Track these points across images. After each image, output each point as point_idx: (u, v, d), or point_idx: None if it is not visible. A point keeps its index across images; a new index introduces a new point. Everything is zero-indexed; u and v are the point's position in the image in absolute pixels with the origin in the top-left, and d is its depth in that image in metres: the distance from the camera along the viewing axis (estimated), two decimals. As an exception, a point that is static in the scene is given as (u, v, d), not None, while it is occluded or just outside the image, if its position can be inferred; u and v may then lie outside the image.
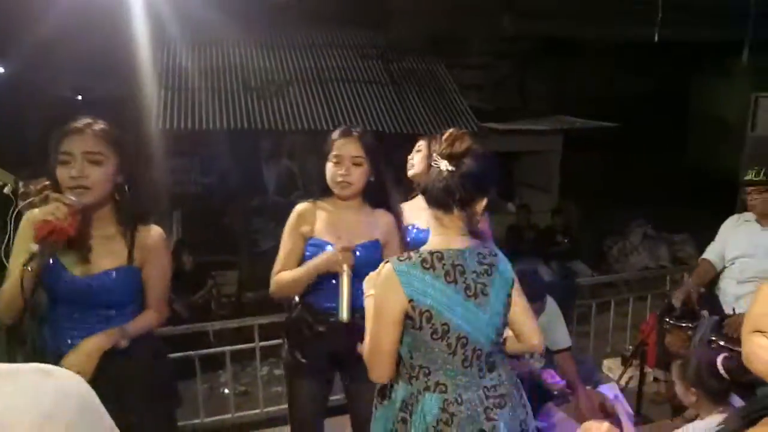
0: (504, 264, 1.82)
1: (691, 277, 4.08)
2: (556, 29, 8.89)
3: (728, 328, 3.54)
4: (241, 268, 7.52)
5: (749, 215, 3.84)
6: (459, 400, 1.73)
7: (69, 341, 1.87)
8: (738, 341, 3.36)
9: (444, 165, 1.69)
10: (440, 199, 1.72)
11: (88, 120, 1.85)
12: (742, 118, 9.68)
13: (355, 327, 2.16)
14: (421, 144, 2.75)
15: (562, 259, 7.58)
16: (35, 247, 1.67)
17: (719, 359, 2.48)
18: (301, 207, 2.32)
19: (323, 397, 2.46)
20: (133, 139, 1.99)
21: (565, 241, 7.79)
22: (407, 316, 1.70)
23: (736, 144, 8.99)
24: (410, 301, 1.67)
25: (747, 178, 3.79)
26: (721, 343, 3.34)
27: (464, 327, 1.71)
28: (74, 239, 1.78)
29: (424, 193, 1.77)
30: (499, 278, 1.78)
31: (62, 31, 5.80)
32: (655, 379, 4.19)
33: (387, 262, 1.73)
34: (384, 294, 1.71)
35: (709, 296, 3.97)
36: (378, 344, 1.72)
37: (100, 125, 1.85)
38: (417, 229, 2.68)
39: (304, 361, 2.34)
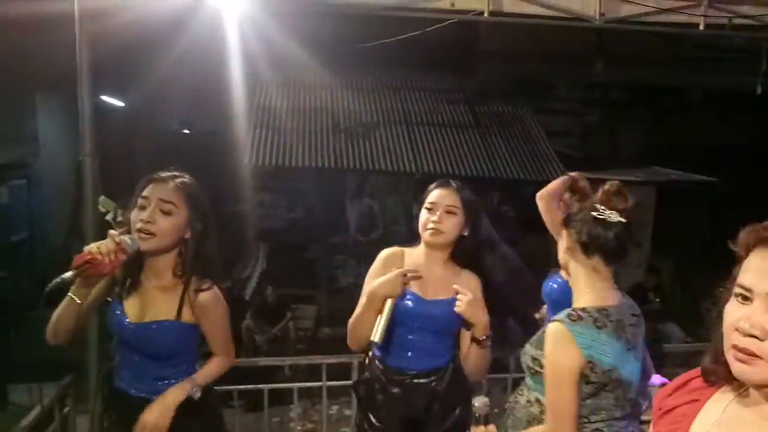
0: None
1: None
2: (647, 77, 8.62)
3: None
4: (319, 303, 7.64)
5: None
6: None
7: (127, 379, 1.94)
8: None
9: (616, 216, 1.73)
10: (610, 250, 1.74)
11: (173, 172, 1.92)
12: None
13: (435, 392, 2.11)
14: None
15: (654, 321, 7.13)
16: (68, 274, 1.70)
17: None
18: (388, 252, 2.21)
19: None
20: (209, 198, 1.98)
21: (657, 300, 7.36)
22: (585, 377, 1.69)
23: None
24: (589, 362, 1.67)
25: None
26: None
27: (629, 378, 1.76)
28: (130, 281, 1.88)
29: (585, 242, 1.76)
30: (642, 328, 1.88)
31: (172, 70, 6.28)
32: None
33: (555, 321, 1.72)
34: (558, 355, 1.70)
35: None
36: (561, 410, 1.69)
37: (181, 179, 1.90)
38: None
39: (378, 424, 2.15)
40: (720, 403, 1.06)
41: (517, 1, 3.45)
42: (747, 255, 1.02)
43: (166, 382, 1.93)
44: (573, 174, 2.66)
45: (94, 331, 3.02)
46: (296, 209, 8.50)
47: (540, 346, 1.82)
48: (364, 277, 2.22)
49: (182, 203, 1.86)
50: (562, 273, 2.40)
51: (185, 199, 1.87)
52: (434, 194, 2.15)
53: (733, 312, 0.99)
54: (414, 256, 2.19)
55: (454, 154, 7.73)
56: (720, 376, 1.04)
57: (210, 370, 2.00)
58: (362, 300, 2.10)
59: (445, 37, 4.63)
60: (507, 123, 8.46)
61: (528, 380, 1.96)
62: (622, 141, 9.87)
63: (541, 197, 2.55)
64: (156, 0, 2.72)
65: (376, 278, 2.10)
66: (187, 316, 1.90)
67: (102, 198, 2.85)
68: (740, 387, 1.03)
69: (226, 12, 2.99)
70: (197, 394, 1.91)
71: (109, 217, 2.78)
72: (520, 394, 2.02)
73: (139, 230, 1.81)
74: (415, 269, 2.07)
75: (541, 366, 1.82)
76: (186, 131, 10.89)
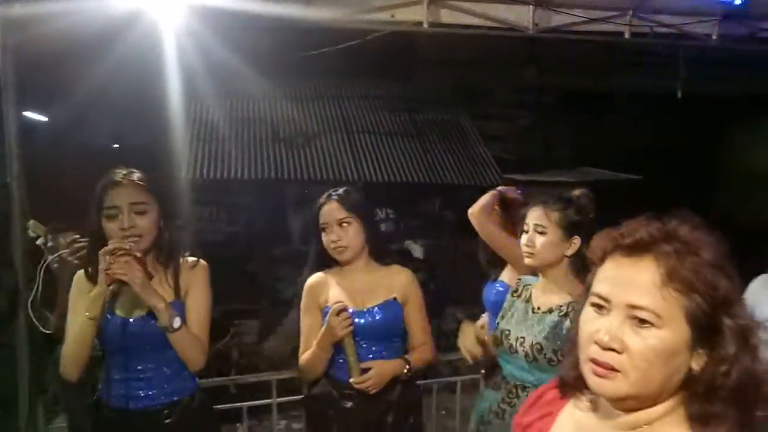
0: None
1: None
2: (578, 82, 8.99)
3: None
4: (262, 317, 7.48)
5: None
6: None
7: (123, 392, 1.87)
8: None
9: None
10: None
11: (124, 171, 1.89)
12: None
13: (388, 402, 2.11)
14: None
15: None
16: (112, 287, 1.75)
17: None
18: (311, 282, 2.22)
19: None
20: (167, 183, 2.04)
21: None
22: None
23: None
24: None
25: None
26: None
27: None
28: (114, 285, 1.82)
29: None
30: None
31: (100, 82, 6.02)
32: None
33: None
34: None
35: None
36: None
37: (136, 175, 1.90)
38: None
39: None
40: (572, 415, 1.02)
41: (455, 12, 3.51)
42: (602, 262, 0.95)
43: (167, 385, 1.90)
44: (501, 188, 2.76)
45: (25, 364, 2.84)
46: (236, 222, 8.33)
47: (558, 337, 1.92)
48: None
49: (150, 198, 1.88)
50: (524, 270, 2.45)
51: (151, 193, 1.89)
52: (322, 214, 2.16)
53: (589, 322, 0.92)
54: (336, 275, 2.22)
55: (394, 161, 7.80)
56: (578, 387, 1.00)
57: (189, 332, 1.89)
58: (304, 334, 2.18)
59: (384, 46, 4.65)
60: (446, 130, 8.62)
61: (533, 376, 1.97)
62: (554, 143, 10.23)
63: (473, 214, 2.63)
64: (89, 9, 2.60)
65: (308, 309, 2.20)
66: (183, 292, 1.93)
67: (32, 222, 2.70)
68: (592, 397, 0.99)
69: (164, 24, 2.90)
70: (172, 323, 1.82)
71: (39, 242, 2.65)
72: (514, 399, 2.01)
73: (126, 237, 1.82)
74: (340, 300, 2.09)
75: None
76: (116, 145, 10.46)
